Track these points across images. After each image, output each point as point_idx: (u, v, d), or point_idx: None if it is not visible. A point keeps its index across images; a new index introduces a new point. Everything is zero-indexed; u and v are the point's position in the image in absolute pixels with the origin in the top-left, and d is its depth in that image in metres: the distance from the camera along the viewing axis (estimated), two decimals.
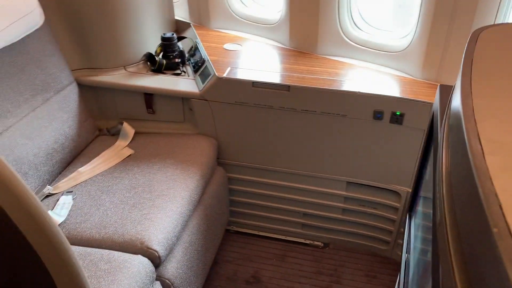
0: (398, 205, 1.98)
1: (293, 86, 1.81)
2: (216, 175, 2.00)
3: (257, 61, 2.03)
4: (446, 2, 1.61)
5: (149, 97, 2.03)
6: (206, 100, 1.94)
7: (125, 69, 2.07)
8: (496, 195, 0.39)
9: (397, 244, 2.10)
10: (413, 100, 1.71)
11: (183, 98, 2.02)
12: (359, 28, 2.03)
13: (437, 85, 1.80)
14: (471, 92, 0.58)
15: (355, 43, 2.01)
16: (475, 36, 0.78)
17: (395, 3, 2.27)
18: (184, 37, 2.24)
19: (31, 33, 1.70)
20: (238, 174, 2.16)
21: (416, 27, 1.77)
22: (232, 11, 2.31)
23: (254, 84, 1.84)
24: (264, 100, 1.87)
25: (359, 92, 1.76)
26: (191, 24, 2.39)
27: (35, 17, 1.68)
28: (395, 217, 2.01)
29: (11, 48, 1.62)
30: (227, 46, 2.15)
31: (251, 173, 2.14)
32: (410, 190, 1.92)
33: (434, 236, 0.58)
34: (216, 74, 1.88)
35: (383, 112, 1.77)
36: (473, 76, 0.63)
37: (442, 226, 0.52)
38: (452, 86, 0.89)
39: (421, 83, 1.83)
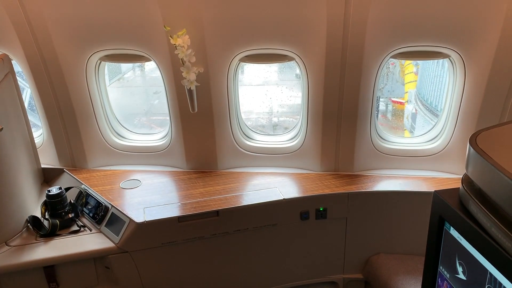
0: None
1: (222, 210, 1.74)
2: None
3: (167, 193, 1.89)
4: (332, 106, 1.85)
5: (49, 269, 1.65)
6: (127, 251, 1.69)
7: (7, 245, 1.65)
8: None
9: None
10: (332, 194, 1.85)
11: (95, 258, 1.70)
12: (250, 138, 2.11)
13: (338, 174, 2.00)
14: None
15: (252, 152, 2.09)
16: (474, 138, 0.93)
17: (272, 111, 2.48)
18: (70, 187, 1.93)
19: None
20: None
21: (306, 129, 1.95)
22: (110, 145, 2.12)
23: (180, 219, 1.71)
24: (194, 233, 1.74)
25: (284, 199, 1.81)
26: (63, 170, 2.09)
27: None
28: None
29: None
30: (124, 184, 1.95)
31: None
32: (345, 276, 2.01)
33: None
34: (133, 219, 1.68)
35: (309, 211, 1.86)
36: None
37: None
38: (455, 188, 1.02)
39: (324, 176, 1.99)
